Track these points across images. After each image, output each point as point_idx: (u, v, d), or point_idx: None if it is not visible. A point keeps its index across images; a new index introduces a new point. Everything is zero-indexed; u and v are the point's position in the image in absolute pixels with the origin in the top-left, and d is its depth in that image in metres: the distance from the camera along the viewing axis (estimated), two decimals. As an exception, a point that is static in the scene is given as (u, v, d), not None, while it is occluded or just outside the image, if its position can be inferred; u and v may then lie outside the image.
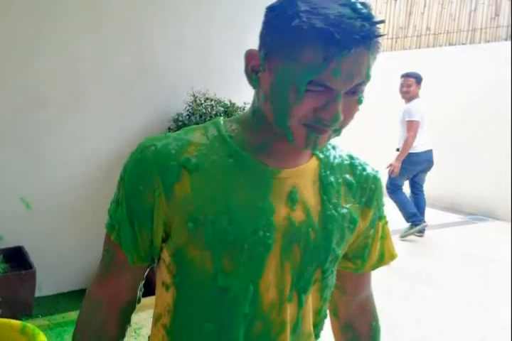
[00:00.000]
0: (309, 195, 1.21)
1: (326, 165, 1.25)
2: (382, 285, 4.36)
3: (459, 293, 4.98)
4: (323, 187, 1.23)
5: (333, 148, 1.31)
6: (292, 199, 1.19)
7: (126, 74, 4.42)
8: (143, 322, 3.78)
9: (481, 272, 5.57)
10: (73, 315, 3.91)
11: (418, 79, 6.47)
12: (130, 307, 1.31)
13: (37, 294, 4.05)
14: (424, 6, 9.38)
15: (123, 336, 1.32)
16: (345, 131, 1.17)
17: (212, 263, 1.16)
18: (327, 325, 1.41)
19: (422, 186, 6.83)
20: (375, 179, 1.33)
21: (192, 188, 1.15)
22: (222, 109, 4.37)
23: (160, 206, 1.16)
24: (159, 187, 1.15)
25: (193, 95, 4.54)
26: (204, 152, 1.17)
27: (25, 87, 4.06)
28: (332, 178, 1.25)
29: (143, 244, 1.22)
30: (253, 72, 1.13)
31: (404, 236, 6.58)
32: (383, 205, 1.38)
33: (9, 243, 4.16)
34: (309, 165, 1.23)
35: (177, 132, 1.23)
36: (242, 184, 1.16)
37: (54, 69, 4.14)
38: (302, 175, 1.21)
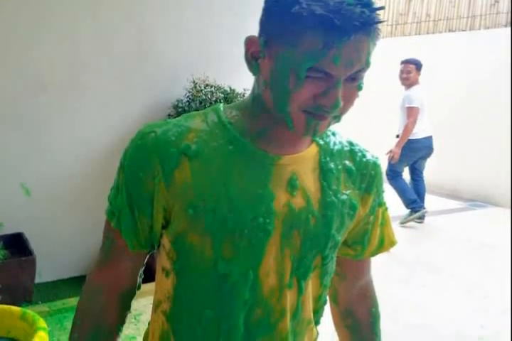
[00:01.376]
0: (309, 181, 1.21)
1: (326, 152, 1.25)
2: (382, 271, 4.38)
3: (458, 278, 4.99)
4: (323, 173, 1.23)
5: (333, 134, 1.31)
6: (292, 185, 1.19)
7: (126, 61, 4.41)
8: (143, 308, 3.79)
9: (481, 258, 5.59)
10: (73, 301, 3.92)
11: (418, 65, 6.45)
12: (130, 294, 1.31)
13: (37, 280, 4.06)
14: (424, -8, 9.35)
15: (123, 322, 1.33)
16: (345, 118, 1.17)
17: (212, 249, 1.17)
18: (327, 311, 1.41)
19: (421, 172, 6.83)
20: (375, 165, 1.32)
21: (192, 175, 1.15)
22: (222, 95, 4.36)
23: (160, 192, 1.16)
24: (159, 173, 1.15)
25: (193, 81, 4.53)
26: (204, 138, 1.17)
27: (26, 72, 4.05)
28: (332, 165, 1.24)
29: (143, 231, 1.22)
30: (253, 58, 1.12)
31: (404, 222, 6.59)
32: (383, 192, 1.38)
33: (9, 229, 4.16)
34: (309, 152, 1.22)
35: (177, 118, 1.23)
36: (242, 171, 1.16)
37: (54, 55, 4.12)
38: (302, 162, 1.21)
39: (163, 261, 1.26)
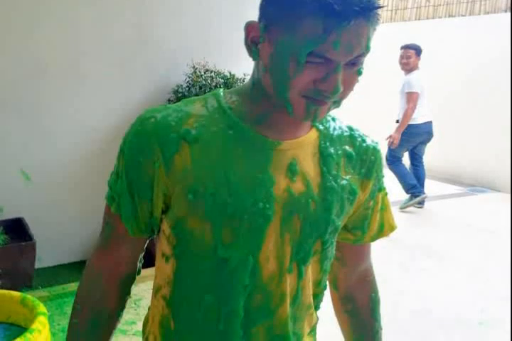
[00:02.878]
0: (309, 166, 1.21)
1: (325, 137, 1.25)
2: (382, 256, 4.39)
3: (458, 264, 5.02)
4: (323, 158, 1.23)
5: (333, 119, 1.31)
6: (292, 170, 1.19)
7: (125, 45, 4.41)
8: (143, 293, 3.82)
9: (481, 243, 5.61)
10: (73, 286, 3.94)
11: (418, 50, 6.44)
12: (130, 279, 1.32)
13: (37, 265, 4.08)
14: (424, -23, 9.30)
15: (123, 307, 1.34)
16: (345, 103, 1.17)
17: (211, 234, 1.17)
18: (327, 296, 1.42)
19: (421, 158, 6.84)
20: (375, 150, 1.33)
21: (192, 160, 1.15)
22: (221, 80, 4.36)
23: (160, 178, 1.17)
24: (159, 158, 1.15)
25: (193, 67, 4.53)
26: (204, 123, 1.17)
27: (25, 56, 4.05)
28: (332, 150, 1.25)
29: (143, 216, 1.23)
30: (253, 43, 1.12)
31: (403, 207, 6.61)
32: (383, 177, 1.38)
33: (9, 214, 4.18)
34: (309, 137, 1.23)
35: (177, 104, 1.23)
36: (242, 155, 1.16)
37: (54, 40, 4.11)
38: (302, 147, 1.21)
39: (163, 246, 1.26)
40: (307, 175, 1.20)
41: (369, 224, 1.39)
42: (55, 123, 4.25)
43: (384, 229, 1.42)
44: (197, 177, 1.14)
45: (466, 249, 5.44)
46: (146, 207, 1.22)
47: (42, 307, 2.65)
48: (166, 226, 1.25)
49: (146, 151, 1.16)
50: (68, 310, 3.66)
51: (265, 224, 1.17)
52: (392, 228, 1.44)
